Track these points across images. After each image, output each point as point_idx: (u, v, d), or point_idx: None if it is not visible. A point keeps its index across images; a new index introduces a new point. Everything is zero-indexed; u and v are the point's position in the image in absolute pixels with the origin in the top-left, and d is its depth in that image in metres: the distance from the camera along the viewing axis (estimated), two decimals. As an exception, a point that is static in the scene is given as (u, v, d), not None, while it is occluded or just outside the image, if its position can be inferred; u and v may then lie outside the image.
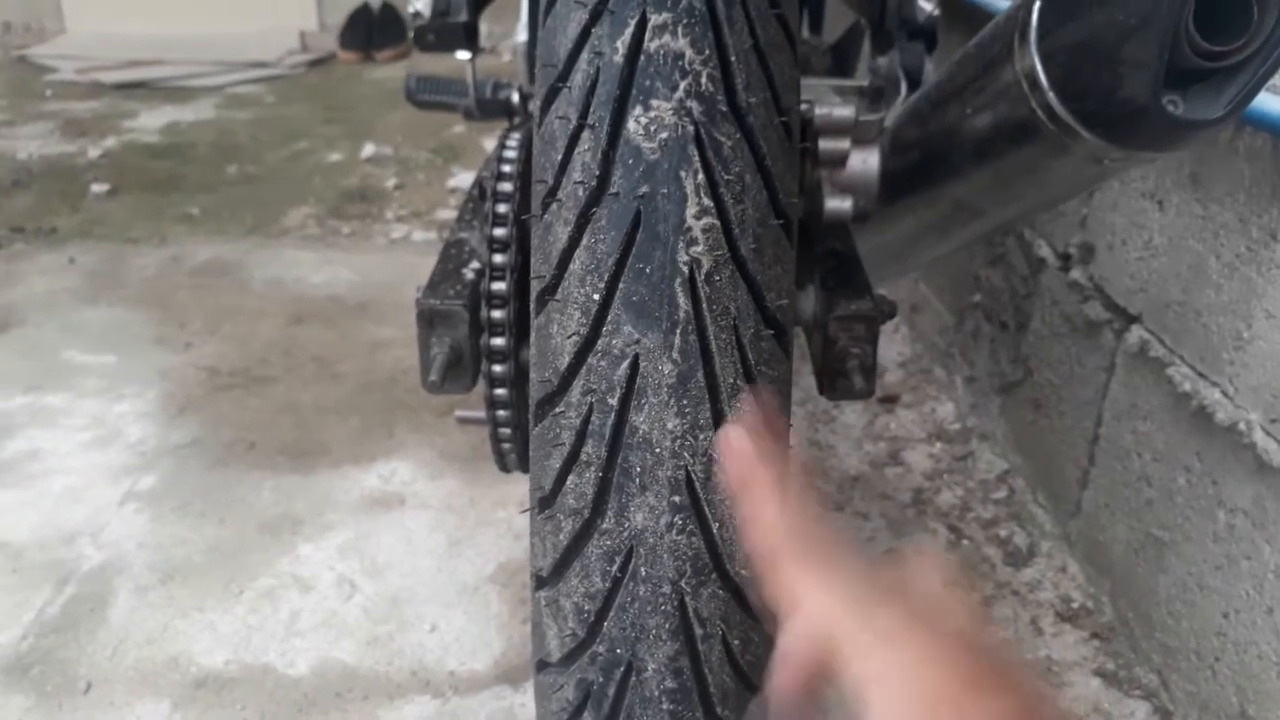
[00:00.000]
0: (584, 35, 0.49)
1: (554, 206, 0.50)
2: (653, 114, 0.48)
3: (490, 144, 2.70)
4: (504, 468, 0.84)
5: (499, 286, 0.72)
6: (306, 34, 3.97)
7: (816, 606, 0.38)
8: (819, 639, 0.37)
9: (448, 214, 2.41)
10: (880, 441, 1.57)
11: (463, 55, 1.15)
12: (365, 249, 2.22)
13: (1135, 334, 1.16)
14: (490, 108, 1.23)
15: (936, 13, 1.04)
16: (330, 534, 1.34)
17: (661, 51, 0.48)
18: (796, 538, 0.40)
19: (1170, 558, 1.10)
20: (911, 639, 0.35)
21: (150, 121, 3.06)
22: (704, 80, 0.48)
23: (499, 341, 0.72)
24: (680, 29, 0.48)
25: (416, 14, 1.10)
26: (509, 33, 3.60)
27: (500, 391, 0.74)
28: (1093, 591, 1.26)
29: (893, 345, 1.82)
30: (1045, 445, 1.39)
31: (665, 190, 0.47)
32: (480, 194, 0.86)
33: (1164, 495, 1.11)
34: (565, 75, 0.50)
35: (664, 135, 0.48)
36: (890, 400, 1.67)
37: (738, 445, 0.45)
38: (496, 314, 0.73)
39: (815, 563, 0.39)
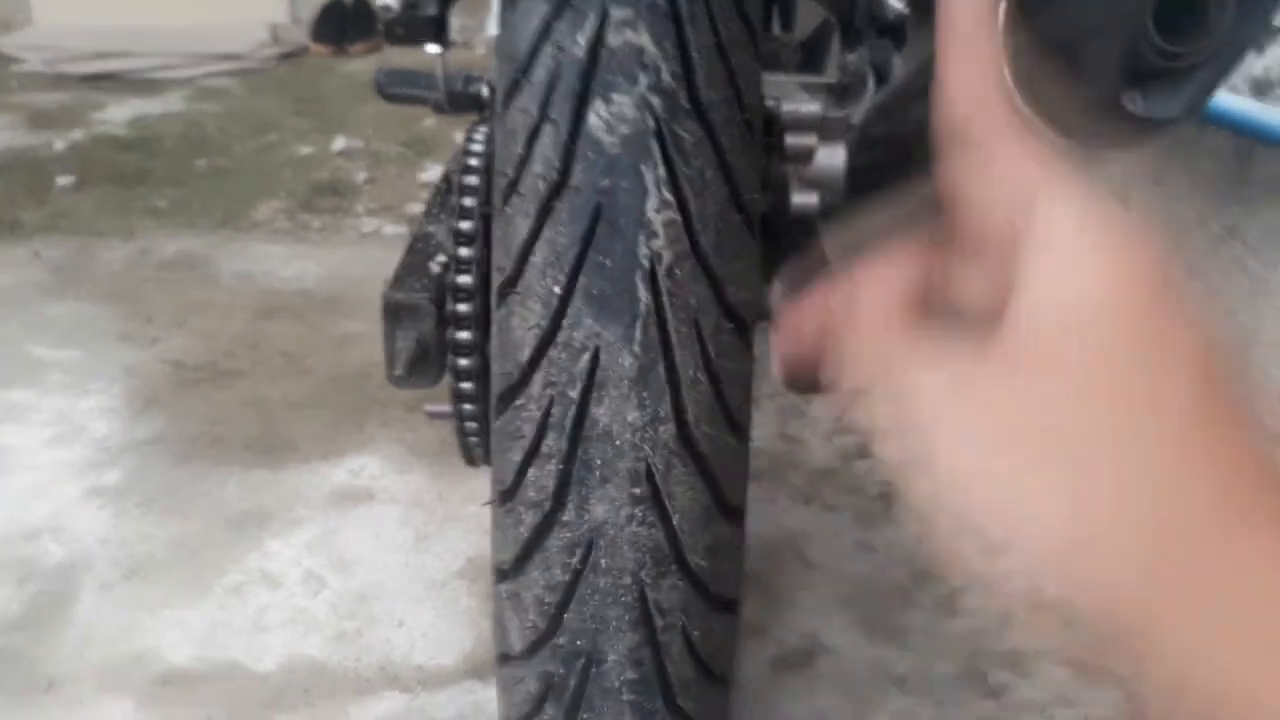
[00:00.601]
0: (545, 29, 0.49)
1: (515, 199, 0.50)
2: (614, 108, 0.48)
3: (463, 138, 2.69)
4: (470, 461, 0.84)
5: (465, 280, 0.72)
6: (277, 26, 3.94)
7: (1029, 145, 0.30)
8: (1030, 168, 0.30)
9: (419, 208, 2.40)
10: (850, 435, 1.58)
11: (432, 49, 1.14)
12: (335, 243, 2.21)
13: (1099, 330, 1.18)
14: (461, 101, 1.23)
15: (905, 10, 1.05)
16: (298, 529, 1.33)
17: (623, 46, 0.48)
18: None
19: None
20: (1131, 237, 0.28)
21: (118, 114, 3.03)
22: (665, 75, 0.48)
23: (464, 335, 0.72)
24: (642, 24, 0.48)
25: (386, 7, 1.09)
26: (482, 26, 3.58)
27: (466, 385, 0.74)
28: (1058, 584, 1.27)
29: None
30: (1011, 440, 1.40)
31: (626, 184, 0.48)
32: (447, 187, 0.86)
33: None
34: (526, 69, 0.50)
35: (625, 129, 0.48)
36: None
37: None
38: (462, 307, 0.73)
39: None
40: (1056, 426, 0.26)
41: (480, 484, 1.39)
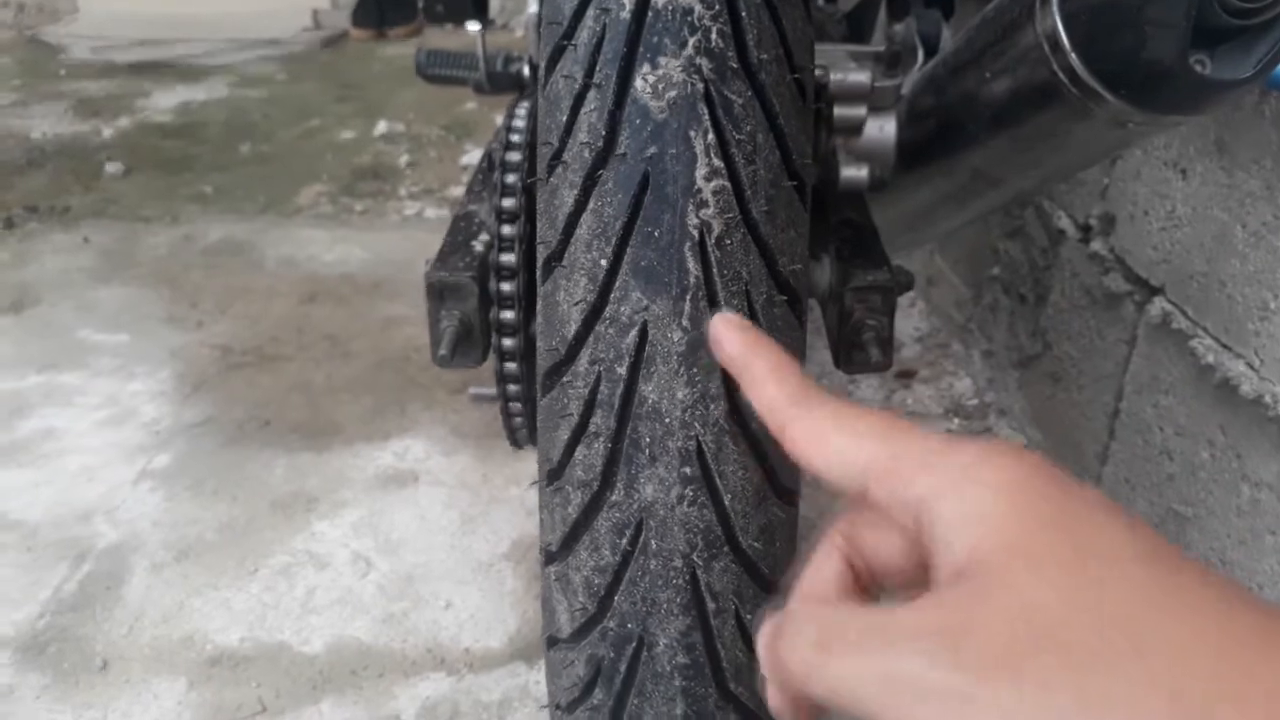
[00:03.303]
0: (590, -8, 0.48)
1: (559, 169, 0.48)
2: (661, 72, 0.46)
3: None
4: (515, 443, 0.83)
5: (508, 258, 0.71)
6: (319, 12, 3.95)
7: (868, 424, 0.32)
8: (870, 457, 0.31)
9: (460, 191, 2.40)
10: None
11: (472, 26, 1.13)
12: (378, 227, 2.21)
13: (1157, 306, 1.14)
14: (501, 81, 1.21)
15: (955, -22, 1.02)
16: (344, 511, 1.33)
17: (670, 7, 0.46)
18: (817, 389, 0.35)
19: (1193, 533, 1.09)
20: (988, 447, 0.29)
21: (163, 100, 3.06)
22: (714, 36, 0.46)
23: (509, 314, 0.71)
24: (690, -15, 0.46)
25: (425, -14, 1.08)
26: (520, 7, 3.57)
27: (510, 365, 0.73)
28: (1113, 567, 1.24)
29: (909, 319, 1.80)
30: (1064, 420, 1.37)
31: (674, 151, 0.46)
32: (489, 165, 0.85)
33: (1186, 469, 1.10)
34: (570, 33, 0.48)
35: (673, 94, 0.46)
36: (907, 375, 1.65)
37: (734, 319, 0.39)
38: (506, 286, 0.71)
39: (849, 404, 0.33)
40: (1051, 645, 0.25)
41: (525, 466, 1.39)
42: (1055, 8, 0.71)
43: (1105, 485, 1.26)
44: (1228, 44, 0.65)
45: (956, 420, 1.54)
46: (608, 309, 0.46)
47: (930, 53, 1.06)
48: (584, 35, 0.48)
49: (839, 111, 0.83)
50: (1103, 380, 1.27)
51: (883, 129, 0.88)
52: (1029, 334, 1.46)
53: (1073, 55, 0.69)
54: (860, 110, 0.85)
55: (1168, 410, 1.13)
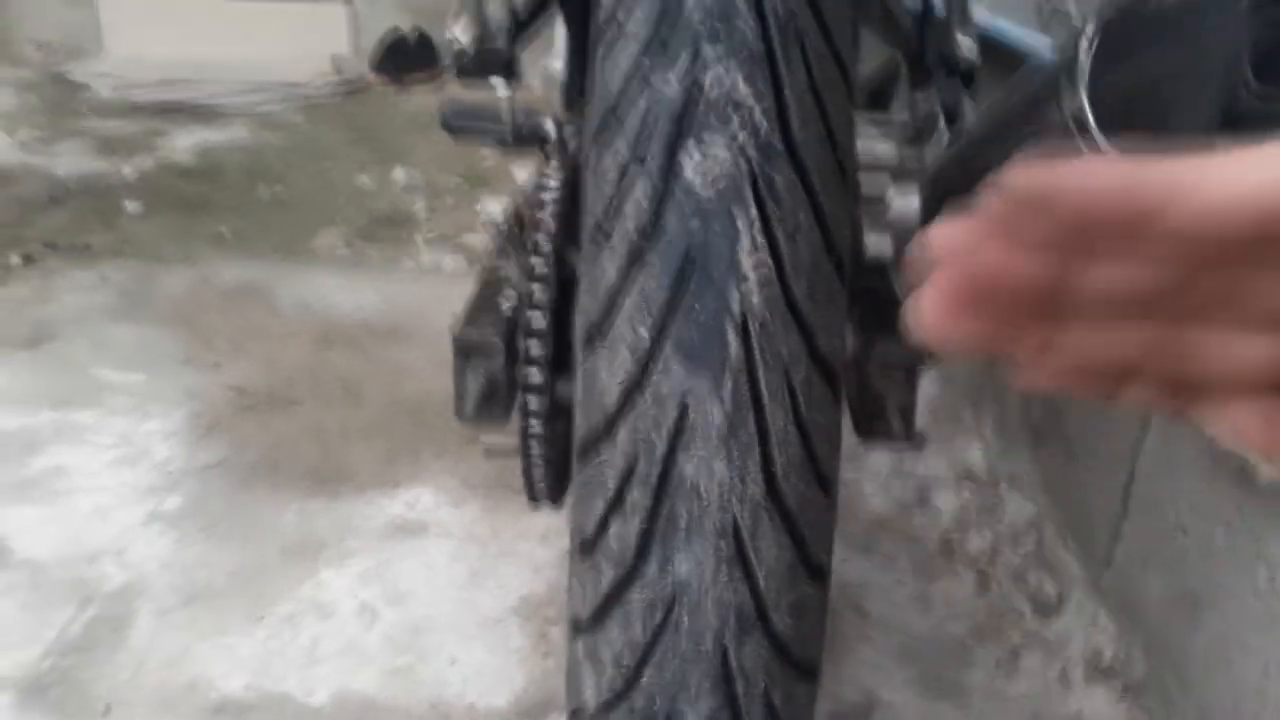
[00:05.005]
0: (636, 69, 0.48)
1: (603, 244, 0.49)
2: (706, 150, 0.47)
3: (519, 172, 2.71)
4: (534, 499, 0.83)
5: (536, 319, 0.71)
6: (339, 58, 4.01)
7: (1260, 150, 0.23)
8: None
9: (476, 239, 2.42)
10: (908, 483, 1.54)
11: (499, 85, 1.15)
12: (394, 273, 2.22)
13: (1175, 380, 1.14)
14: (525, 137, 1.23)
15: (976, 49, 1.03)
16: (352, 560, 1.32)
17: (716, 86, 0.47)
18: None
19: (1207, 613, 1.08)
20: None
21: (183, 142, 3.09)
22: (759, 118, 0.47)
23: (535, 375, 0.71)
24: (735, 64, 0.47)
25: (454, 41, 1.10)
26: (537, 60, 3.62)
27: (535, 425, 0.73)
28: (1125, 645, 1.23)
29: (920, 385, 1.80)
30: (1077, 492, 1.36)
31: (718, 229, 0.46)
32: (519, 225, 0.86)
33: (1202, 549, 1.09)
34: (616, 108, 0.49)
35: (717, 173, 0.47)
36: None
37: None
38: (534, 347, 0.72)
39: None
40: None
41: (533, 521, 1.39)
42: (1082, 88, 0.72)
43: (1117, 561, 1.25)
44: (1254, 128, 0.65)
45: (967, 488, 1.53)
46: (648, 384, 0.47)
47: (952, 121, 1.07)
48: (630, 113, 0.48)
49: (864, 181, 0.83)
50: (1115, 455, 1.26)
51: (907, 201, 0.89)
52: (1041, 404, 1.46)
53: (1099, 137, 0.70)
54: (885, 180, 0.86)
55: (1183, 489, 1.12)
